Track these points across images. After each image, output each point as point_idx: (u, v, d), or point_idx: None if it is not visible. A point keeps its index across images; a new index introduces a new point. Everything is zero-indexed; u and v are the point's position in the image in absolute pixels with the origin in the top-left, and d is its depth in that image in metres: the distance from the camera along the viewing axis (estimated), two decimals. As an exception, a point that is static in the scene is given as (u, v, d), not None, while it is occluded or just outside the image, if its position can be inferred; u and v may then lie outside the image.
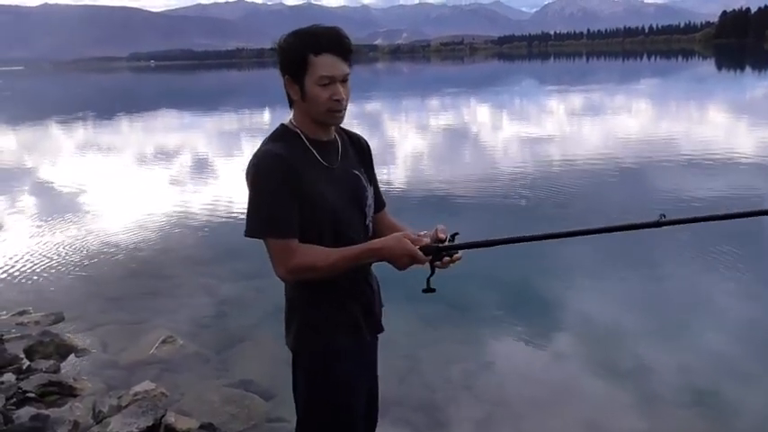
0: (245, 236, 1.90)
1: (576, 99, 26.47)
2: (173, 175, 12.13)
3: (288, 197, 1.82)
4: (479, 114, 22.45)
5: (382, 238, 1.88)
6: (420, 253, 1.83)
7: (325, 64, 1.81)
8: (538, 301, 5.28)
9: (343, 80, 1.85)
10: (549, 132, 15.91)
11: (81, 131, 22.32)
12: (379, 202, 2.16)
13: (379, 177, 2.21)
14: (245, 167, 1.88)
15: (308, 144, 1.90)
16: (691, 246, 6.50)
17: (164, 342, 4.51)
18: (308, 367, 2.04)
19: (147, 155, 15.31)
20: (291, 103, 1.93)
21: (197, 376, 4.13)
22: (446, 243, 1.88)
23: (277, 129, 1.95)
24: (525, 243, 1.93)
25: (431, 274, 1.88)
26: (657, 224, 1.84)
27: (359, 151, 2.09)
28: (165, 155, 15.10)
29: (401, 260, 1.82)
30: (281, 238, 1.84)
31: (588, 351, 4.39)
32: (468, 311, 5.11)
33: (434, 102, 28.62)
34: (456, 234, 1.91)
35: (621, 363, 4.20)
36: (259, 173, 1.82)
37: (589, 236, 1.90)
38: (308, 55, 1.80)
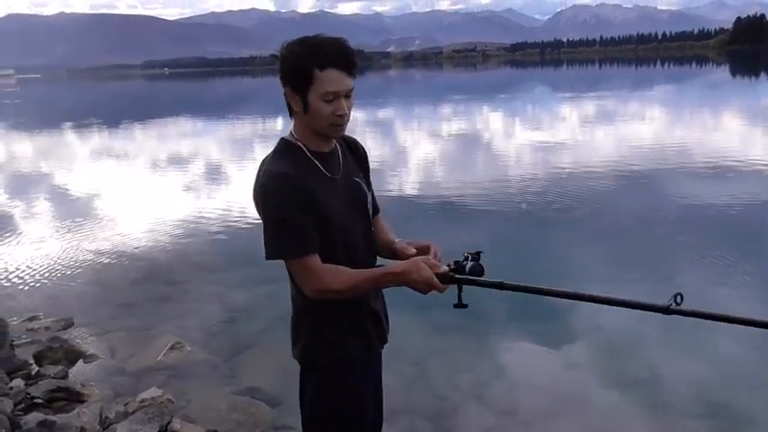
0: (266, 259, 1.87)
1: (590, 106, 26.36)
2: (184, 182, 12.18)
3: (301, 215, 1.79)
4: (493, 121, 22.41)
5: (403, 263, 1.82)
6: (437, 281, 1.77)
7: (331, 80, 1.76)
8: (548, 309, 5.22)
9: (347, 95, 1.81)
10: (562, 139, 15.84)
11: (94, 138, 22.53)
12: (375, 208, 2.13)
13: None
14: (254, 189, 1.85)
15: (310, 156, 1.87)
16: (704, 251, 6.44)
17: (171, 348, 4.51)
18: (317, 379, 2.01)
19: (160, 161, 15.40)
20: (291, 113, 1.90)
21: (204, 383, 4.13)
22: (467, 263, 1.84)
23: (279, 144, 1.91)
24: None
25: (460, 291, 1.83)
26: (667, 311, 1.74)
27: (356, 157, 2.07)
28: (176, 162, 15.17)
29: (420, 287, 1.78)
30: (301, 257, 1.81)
31: (598, 360, 4.34)
32: (476, 319, 5.06)
33: (448, 109, 28.61)
34: (480, 252, 1.88)
35: (632, 372, 4.15)
36: (269, 194, 1.79)
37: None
38: (313, 69, 1.74)
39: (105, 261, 7.02)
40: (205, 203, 10.05)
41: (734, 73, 55.41)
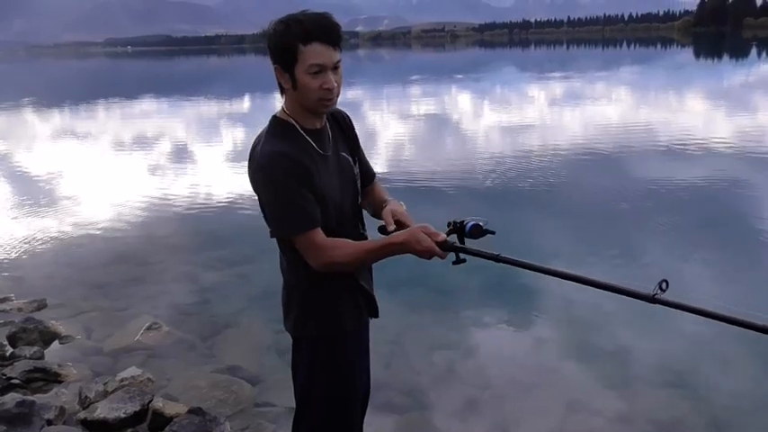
0: (272, 237, 1.92)
1: (558, 87, 26.61)
2: (155, 162, 12.03)
3: (303, 192, 1.83)
4: (464, 103, 22.48)
5: (403, 233, 1.88)
6: (438, 249, 1.85)
7: (315, 53, 1.78)
8: (520, 288, 5.34)
9: (334, 67, 1.83)
10: (531, 119, 16.00)
11: (59, 117, 22.02)
12: (369, 175, 2.19)
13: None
14: (250, 169, 1.89)
15: (303, 133, 1.91)
16: (667, 229, 6.63)
17: (149, 329, 4.51)
18: (312, 350, 2.06)
19: (129, 141, 15.12)
20: (283, 92, 1.92)
21: (183, 362, 4.14)
22: (468, 223, 1.94)
23: (271, 123, 1.93)
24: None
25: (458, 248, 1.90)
26: (651, 299, 1.79)
27: (343, 128, 2.10)
28: (147, 142, 14.93)
29: (422, 255, 1.86)
30: (306, 232, 1.85)
31: (568, 335, 4.49)
32: (452, 297, 5.17)
33: (419, 90, 28.58)
34: (479, 224, 1.97)
35: (601, 346, 4.30)
36: (270, 174, 1.82)
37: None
38: (297, 45, 1.77)
39: (75, 242, 6.94)
40: (174, 184, 9.95)
41: (698, 54, 56.33)
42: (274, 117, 1.94)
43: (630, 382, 3.83)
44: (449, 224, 1.93)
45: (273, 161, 1.81)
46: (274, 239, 1.99)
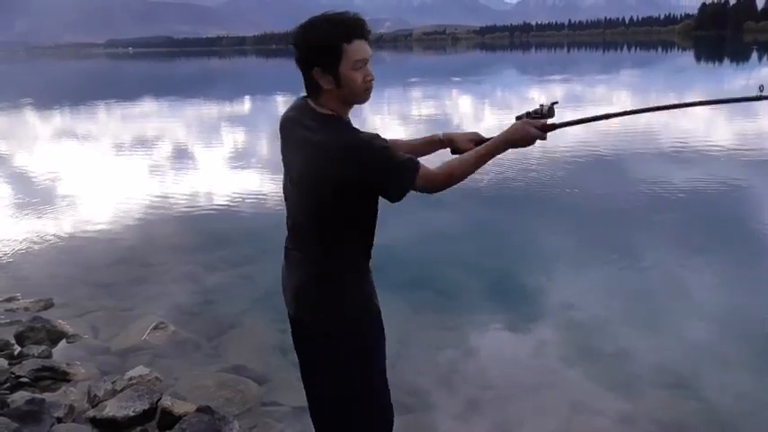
0: (405, 192, 2.00)
1: (559, 89, 26.65)
2: (159, 163, 12.06)
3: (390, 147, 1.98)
4: (465, 104, 22.53)
5: (508, 130, 2.16)
6: (542, 133, 2.16)
7: (358, 49, 1.92)
8: (522, 288, 5.40)
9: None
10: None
11: (64, 118, 22.05)
12: None
13: None
14: (351, 150, 1.92)
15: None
16: (670, 232, 6.68)
17: (155, 328, 4.55)
18: (359, 342, 2.15)
19: (134, 142, 15.14)
20: (317, 94, 1.99)
21: (190, 362, 4.18)
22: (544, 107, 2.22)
23: (334, 117, 1.99)
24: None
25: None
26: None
27: None
28: (151, 143, 14.95)
29: (529, 143, 2.15)
30: (418, 167, 1.98)
31: (571, 336, 4.51)
32: (454, 298, 5.22)
33: (421, 92, 28.63)
34: (555, 103, 2.23)
35: (603, 347, 4.33)
36: (372, 141, 1.93)
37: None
38: (342, 44, 1.89)
39: (81, 242, 6.98)
40: (179, 184, 9.99)
41: (698, 58, 56.40)
42: (327, 115, 1.99)
43: (633, 383, 3.86)
44: (531, 114, 2.20)
45: (368, 135, 1.94)
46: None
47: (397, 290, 4.88)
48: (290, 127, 2.08)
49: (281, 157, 2.19)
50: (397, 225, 6.20)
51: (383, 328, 2.27)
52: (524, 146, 2.15)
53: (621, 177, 9.28)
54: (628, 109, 2.42)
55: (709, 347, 4.30)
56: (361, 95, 1.99)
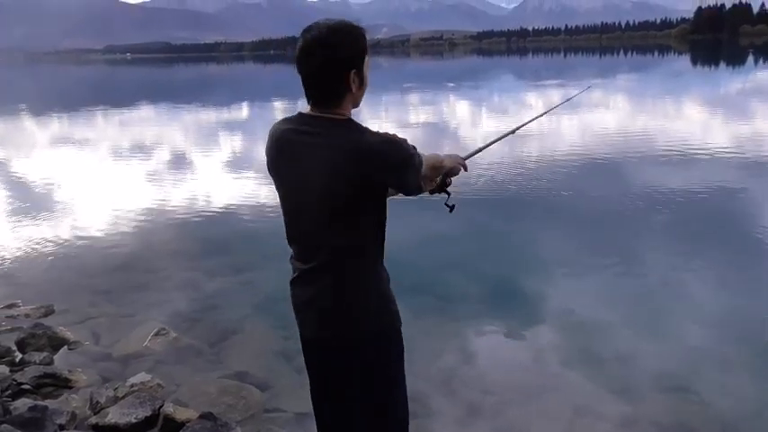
0: (418, 194, 2.16)
1: (555, 94, 26.72)
2: (160, 169, 12.07)
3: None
4: (461, 109, 22.57)
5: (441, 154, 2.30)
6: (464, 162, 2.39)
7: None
8: (522, 292, 5.41)
9: None
10: (529, 126, 16.02)
11: (61, 125, 22.03)
12: None
13: None
14: (374, 150, 1.91)
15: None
16: (669, 235, 6.69)
17: (157, 334, 4.55)
18: (388, 345, 2.13)
19: (135, 148, 15.16)
20: (339, 99, 1.97)
21: (192, 368, 4.19)
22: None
23: (347, 119, 1.99)
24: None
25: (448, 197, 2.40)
26: None
27: None
28: (151, 149, 14.98)
29: (458, 167, 2.36)
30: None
31: (571, 340, 4.53)
32: (454, 302, 5.23)
33: (419, 97, 28.68)
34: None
35: (604, 351, 4.35)
36: (392, 139, 1.95)
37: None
38: (366, 45, 1.99)
39: (81, 248, 6.98)
40: (179, 191, 9.99)
41: (695, 62, 56.58)
42: (350, 120, 1.99)
43: (634, 387, 3.88)
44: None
45: (391, 136, 1.96)
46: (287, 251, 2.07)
47: (397, 294, 4.88)
48: (290, 138, 2.01)
49: (270, 174, 2.14)
50: (396, 229, 6.16)
51: (400, 349, 2.24)
52: (455, 168, 2.35)
53: (620, 182, 9.30)
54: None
55: (710, 351, 4.32)
56: (362, 97, 2.06)
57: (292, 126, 2.02)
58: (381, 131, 1.98)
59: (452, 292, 5.39)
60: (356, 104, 2.04)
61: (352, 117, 2.02)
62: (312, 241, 2.04)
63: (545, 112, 3.66)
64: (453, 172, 2.36)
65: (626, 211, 7.76)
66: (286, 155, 2.02)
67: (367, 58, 1.99)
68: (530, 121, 3.24)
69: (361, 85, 2.00)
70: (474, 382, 4.04)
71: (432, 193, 2.37)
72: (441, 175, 2.32)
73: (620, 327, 4.71)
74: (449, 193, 2.40)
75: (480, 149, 2.77)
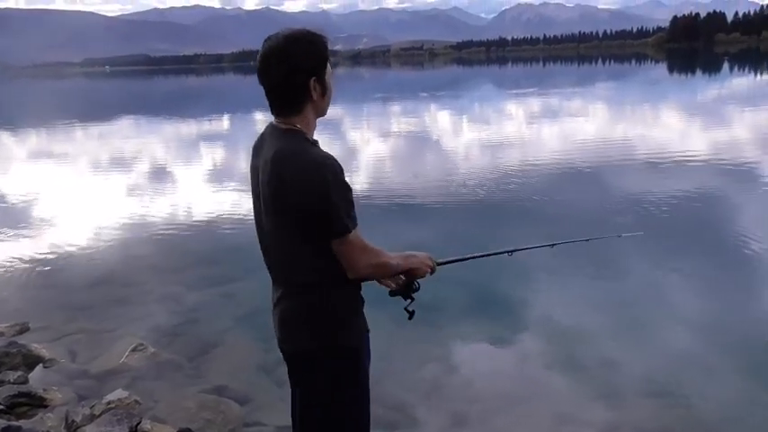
0: (340, 235, 1.91)
1: (536, 103, 26.96)
2: (137, 183, 11.94)
3: (351, 194, 1.95)
4: (445, 120, 22.65)
5: (415, 252, 2.16)
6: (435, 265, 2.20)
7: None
8: (505, 303, 5.40)
9: None
10: (509, 136, 16.14)
11: (38, 139, 21.80)
12: None
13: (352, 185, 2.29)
14: (312, 173, 1.85)
15: (315, 142, 2.00)
16: (651, 242, 6.72)
17: (134, 350, 4.47)
18: (341, 363, 2.05)
19: (112, 162, 15.00)
20: (300, 107, 1.95)
21: (170, 383, 4.12)
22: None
23: (300, 133, 1.95)
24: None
25: (410, 302, 2.20)
26: None
27: None
28: (128, 162, 14.82)
29: (425, 268, 2.16)
30: (357, 229, 1.94)
31: (553, 349, 4.52)
32: (438, 313, 5.18)
33: (404, 107, 28.75)
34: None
35: (587, 358, 4.34)
36: (338, 174, 1.88)
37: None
38: (327, 53, 1.98)
39: (58, 264, 6.86)
40: (157, 204, 9.89)
41: (672, 70, 57.39)
42: (294, 130, 1.95)
43: (618, 393, 3.88)
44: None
45: (335, 164, 1.89)
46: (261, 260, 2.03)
47: (379, 304, 4.85)
48: (259, 146, 2.03)
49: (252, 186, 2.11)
50: (377, 238, 6.14)
51: (370, 350, 2.22)
52: (422, 269, 2.17)
53: (602, 188, 9.36)
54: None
55: (692, 356, 4.33)
56: (328, 106, 2.05)
57: (263, 137, 2.05)
58: (324, 153, 1.92)
59: (435, 300, 5.35)
60: (321, 113, 2.03)
61: (312, 132, 1.99)
62: (274, 253, 2.06)
63: (549, 245, 3.35)
64: (418, 273, 2.15)
65: (608, 217, 7.80)
66: (251, 166, 2.07)
67: (329, 67, 1.98)
68: (529, 248, 3.07)
69: (324, 93, 1.98)
70: (459, 391, 4.02)
71: (393, 294, 2.18)
72: (404, 275, 2.13)
73: (603, 333, 4.71)
74: (412, 298, 2.19)
75: (460, 260, 2.43)
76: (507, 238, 7.32)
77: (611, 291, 5.60)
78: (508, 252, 2.69)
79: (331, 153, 1.93)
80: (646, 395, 3.85)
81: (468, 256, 2.44)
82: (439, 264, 2.22)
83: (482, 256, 2.50)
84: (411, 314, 2.20)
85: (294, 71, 1.90)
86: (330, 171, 1.86)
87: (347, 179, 1.92)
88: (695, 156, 11.68)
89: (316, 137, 2.05)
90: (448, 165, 12.49)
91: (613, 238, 3.73)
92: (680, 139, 14.39)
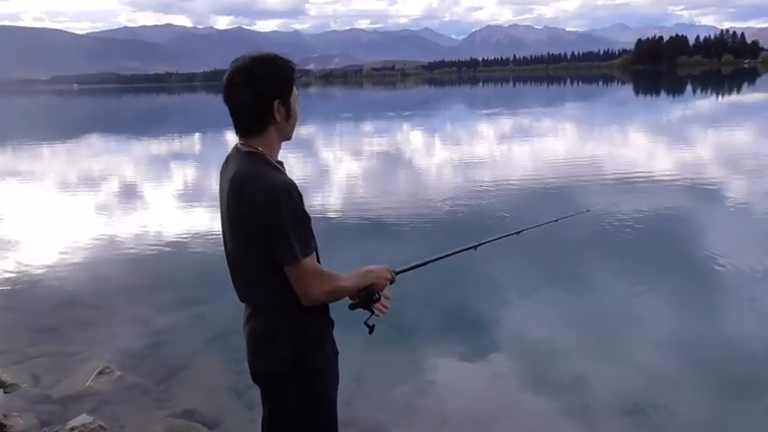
0: (291, 262, 1.89)
1: (507, 123, 27.31)
2: (104, 203, 11.75)
3: (308, 217, 1.93)
4: (418, 140, 22.79)
5: (372, 266, 2.12)
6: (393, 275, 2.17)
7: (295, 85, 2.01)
8: (476, 320, 5.41)
9: None
10: (480, 156, 16.30)
11: (5, 157, 21.35)
12: None
13: (320, 203, 2.29)
14: (266, 197, 1.85)
15: (278, 166, 1.99)
16: (622, 260, 6.82)
17: (100, 373, 4.36)
18: (304, 387, 2.02)
19: (77, 182, 14.76)
20: (263, 128, 1.96)
21: (137, 407, 4.02)
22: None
23: (257, 157, 1.95)
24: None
25: (369, 316, 2.14)
26: None
27: None
28: (95, 182, 14.57)
29: (383, 282, 2.12)
30: (311, 254, 1.92)
31: (528, 366, 4.54)
32: (409, 332, 5.17)
33: (374, 127, 28.85)
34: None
35: (559, 376, 4.36)
36: (289, 198, 1.86)
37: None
38: (293, 78, 1.98)
39: (22, 285, 6.70)
40: (125, 224, 9.73)
41: (637, 91, 58.71)
42: (253, 153, 1.96)
43: (589, 411, 3.90)
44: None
45: (290, 189, 1.87)
46: (230, 280, 2.01)
47: (352, 324, 4.81)
48: (224, 168, 2.05)
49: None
50: (348, 257, 6.16)
51: (338, 372, 2.19)
52: (380, 283, 2.12)
53: (571, 207, 9.45)
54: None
55: (663, 373, 4.38)
56: (294, 129, 2.05)
57: (227, 159, 2.07)
58: (282, 178, 1.91)
59: (406, 320, 5.34)
60: (285, 137, 2.04)
61: (276, 155, 2.01)
62: (235, 276, 2.08)
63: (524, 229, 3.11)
64: (377, 288, 2.11)
65: (578, 236, 7.88)
66: (219, 187, 2.08)
67: (295, 91, 1.99)
68: (495, 239, 2.75)
69: (289, 116, 1.98)
70: (431, 411, 4.00)
71: (353, 307, 2.12)
72: (364, 289, 2.08)
73: (574, 351, 4.74)
74: (372, 311, 2.14)
75: (421, 265, 2.35)
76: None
77: (582, 308, 5.65)
78: (473, 247, 2.58)
79: (291, 178, 1.92)
80: (618, 412, 3.89)
81: (429, 259, 2.39)
82: (398, 272, 2.21)
83: (444, 256, 2.44)
84: (371, 329, 2.16)
85: (259, 93, 1.91)
86: (284, 197, 1.85)
87: (306, 205, 1.91)
88: (667, 174, 11.90)
89: (283, 156, 2.06)
90: (415, 182, 12.55)
91: (583, 214, 3.85)
92: (650, 158, 14.68)
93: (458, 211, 9.55)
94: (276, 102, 1.93)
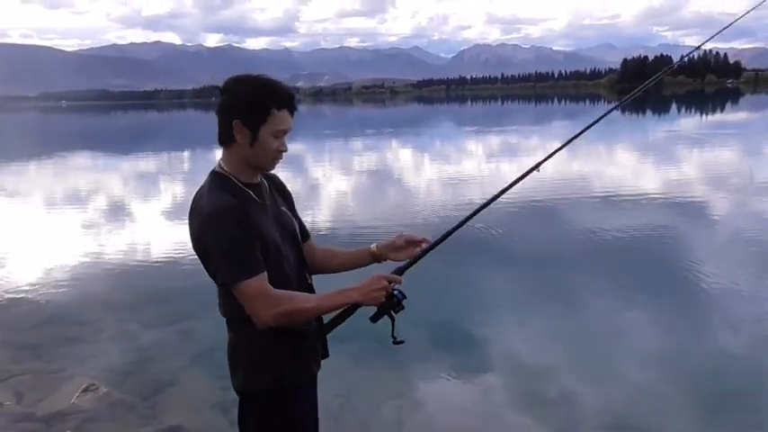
0: (221, 284, 1.89)
1: (496, 140, 27.47)
2: (90, 219, 11.65)
3: (251, 240, 1.84)
4: (407, 157, 22.88)
5: (354, 284, 1.93)
6: (394, 276, 1.97)
7: (284, 119, 1.92)
8: (465, 337, 5.40)
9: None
10: (468, 173, 16.38)
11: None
12: (304, 234, 2.23)
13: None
14: (198, 221, 1.86)
15: (242, 186, 1.94)
16: (609, 277, 6.85)
17: (85, 390, 4.31)
18: (261, 408, 1.98)
19: (63, 198, 14.65)
20: (227, 143, 1.94)
21: (123, 425, 3.97)
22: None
23: (213, 179, 1.94)
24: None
25: (393, 324, 2.01)
26: None
27: (279, 190, 2.16)
28: (81, 198, 14.50)
29: (374, 294, 1.91)
30: (255, 275, 1.82)
31: (516, 383, 4.53)
32: (398, 348, 5.12)
33: (362, 144, 28.94)
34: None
35: (547, 393, 4.36)
36: (218, 222, 1.82)
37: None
38: (272, 108, 1.88)
39: (5, 302, 6.62)
40: (110, 240, 9.67)
41: (624, 110, 59.26)
42: (214, 172, 1.97)
43: (577, 427, 3.89)
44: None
45: (221, 210, 1.82)
46: (216, 295, 1.99)
47: (340, 340, 4.78)
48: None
49: None
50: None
51: (315, 397, 2.14)
52: (370, 298, 1.93)
53: (560, 225, 9.52)
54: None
55: (651, 390, 4.38)
56: (268, 163, 1.97)
57: None
58: (217, 201, 1.85)
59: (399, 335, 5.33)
60: (251, 164, 1.95)
61: (242, 175, 1.95)
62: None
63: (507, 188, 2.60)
64: (369, 302, 1.95)
65: (566, 254, 7.93)
66: None
67: (271, 122, 1.89)
68: (480, 208, 2.54)
69: (253, 143, 1.90)
70: (419, 427, 3.98)
71: (375, 319, 2.00)
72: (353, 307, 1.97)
73: (563, 368, 4.73)
74: (392, 318, 2.00)
75: (427, 251, 2.24)
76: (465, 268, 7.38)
77: (571, 325, 5.65)
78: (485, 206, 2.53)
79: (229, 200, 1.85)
80: (604, 429, 3.87)
81: (436, 240, 2.29)
82: (402, 270, 2.05)
83: (436, 244, 2.27)
84: (398, 341, 2.06)
85: (225, 108, 1.91)
86: (211, 221, 1.82)
87: (244, 224, 1.83)
88: (656, 192, 12.00)
89: (276, 171, 2.05)
90: (406, 197, 12.59)
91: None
92: (638, 176, 14.81)
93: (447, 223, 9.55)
94: (237, 122, 1.88)
